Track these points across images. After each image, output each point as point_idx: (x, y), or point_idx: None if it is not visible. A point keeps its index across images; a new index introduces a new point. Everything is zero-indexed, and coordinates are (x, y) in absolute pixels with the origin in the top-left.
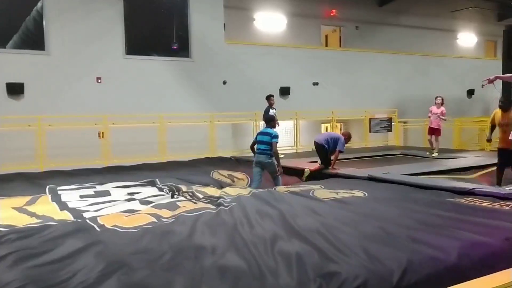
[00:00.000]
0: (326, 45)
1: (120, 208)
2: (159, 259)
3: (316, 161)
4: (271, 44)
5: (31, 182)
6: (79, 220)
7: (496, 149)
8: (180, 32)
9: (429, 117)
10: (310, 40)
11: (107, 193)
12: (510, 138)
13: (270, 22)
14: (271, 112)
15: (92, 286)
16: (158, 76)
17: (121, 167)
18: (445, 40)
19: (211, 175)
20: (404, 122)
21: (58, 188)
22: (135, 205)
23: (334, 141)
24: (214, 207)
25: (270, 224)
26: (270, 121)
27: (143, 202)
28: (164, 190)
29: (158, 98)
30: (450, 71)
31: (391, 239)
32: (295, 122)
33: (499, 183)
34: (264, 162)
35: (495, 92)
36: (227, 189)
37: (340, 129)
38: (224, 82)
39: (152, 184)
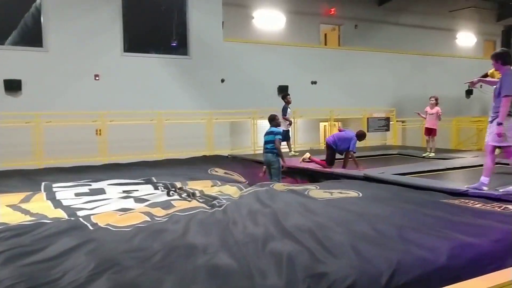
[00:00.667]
0: (325, 44)
1: (115, 207)
2: (151, 258)
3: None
4: (269, 42)
5: (28, 178)
6: (72, 218)
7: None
8: (178, 29)
9: (424, 117)
10: (309, 38)
11: (102, 191)
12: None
13: (269, 20)
14: (288, 111)
15: (82, 285)
16: (156, 73)
17: (118, 165)
18: (444, 39)
19: (208, 173)
20: (402, 122)
21: (54, 185)
22: (129, 203)
23: (344, 141)
24: (209, 207)
25: (263, 223)
26: (272, 120)
27: (138, 200)
28: (160, 187)
29: (156, 96)
30: (449, 70)
31: (382, 240)
32: (293, 121)
33: None
34: (271, 160)
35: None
36: (223, 188)
37: (338, 128)
38: (223, 80)
39: (148, 182)
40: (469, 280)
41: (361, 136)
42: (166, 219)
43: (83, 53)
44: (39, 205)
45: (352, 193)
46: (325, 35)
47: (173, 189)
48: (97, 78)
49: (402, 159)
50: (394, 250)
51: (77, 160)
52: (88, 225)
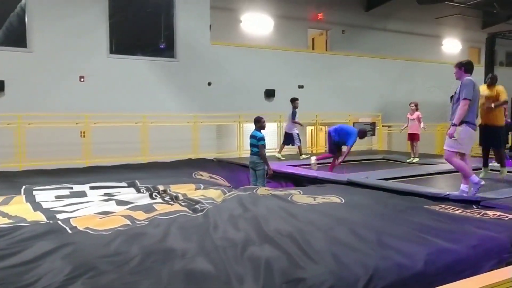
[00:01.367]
0: (313, 48)
1: (95, 210)
2: (128, 263)
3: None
4: (257, 46)
5: (8, 181)
6: (51, 221)
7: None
8: (165, 32)
9: (406, 126)
10: (296, 43)
11: (83, 193)
12: (492, 105)
13: (257, 24)
14: (297, 115)
15: None
16: (142, 76)
17: (102, 167)
18: (430, 45)
19: (193, 177)
20: (388, 127)
21: (34, 188)
22: (111, 206)
23: (345, 135)
24: (191, 211)
25: (244, 228)
26: (257, 122)
27: (120, 203)
28: (142, 190)
29: (142, 98)
30: (435, 76)
31: (361, 246)
32: (279, 125)
33: (485, 164)
34: (255, 162)
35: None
36: (206, 192)
37: (325, 132)
38: (209, 83)
39: (131, 185)
40: (468, 279)
41: (363, 133)
42: (147, 222)
43: (68, 54)
44: (18, 208)
45: (335, 199)
46: (313, 39)
47: (156, 191)
48: (82, 79)
49: (387, 164)
50: (372, 256)
51: (61, 163)
52: (67, 228)
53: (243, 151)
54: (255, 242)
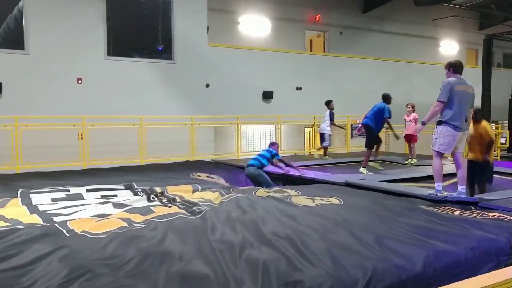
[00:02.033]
0: (311, 50)
1: (92, 212)
2: (125, 265)
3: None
4: (255, 48)
5: (5, 183)
6: (48, 224)
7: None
8: (163, 34)
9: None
10: (294, 44)
11: (80, 196)
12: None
13: (255, 26)
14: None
15: None
16: (140, 78)
17: (99, 169)
18: (427, 47)
19: (190, 177)
20: (386, 128)
21: (31, 190)
22: (108, 208)
23: (378, 113)
24: (189, 213)
25: (241, 230)
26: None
27: (117, 205)
28: (139, 193)
29: (140, 100)
30: (432, 78)
31: (360, 248)
32: (276, 126)
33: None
34: (253, 174)
35: None
36: (204, 194)
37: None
38: (207, 85)
39: (128, 187)
40: (466, 280)
41: (387, 98)
42: (144, 225)
43: (65, 56)
44: (15, 211)
45: (334, 200)
46: (311, 41)
47: (153, 194)
48: (79, 81)
49: (385, 165)
50: (370, 258)
51: (58, 165)
52: (64, 231)
53: (241, 153)
54: (253, 244)
